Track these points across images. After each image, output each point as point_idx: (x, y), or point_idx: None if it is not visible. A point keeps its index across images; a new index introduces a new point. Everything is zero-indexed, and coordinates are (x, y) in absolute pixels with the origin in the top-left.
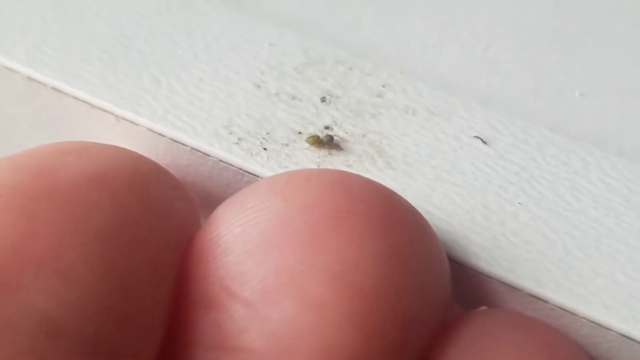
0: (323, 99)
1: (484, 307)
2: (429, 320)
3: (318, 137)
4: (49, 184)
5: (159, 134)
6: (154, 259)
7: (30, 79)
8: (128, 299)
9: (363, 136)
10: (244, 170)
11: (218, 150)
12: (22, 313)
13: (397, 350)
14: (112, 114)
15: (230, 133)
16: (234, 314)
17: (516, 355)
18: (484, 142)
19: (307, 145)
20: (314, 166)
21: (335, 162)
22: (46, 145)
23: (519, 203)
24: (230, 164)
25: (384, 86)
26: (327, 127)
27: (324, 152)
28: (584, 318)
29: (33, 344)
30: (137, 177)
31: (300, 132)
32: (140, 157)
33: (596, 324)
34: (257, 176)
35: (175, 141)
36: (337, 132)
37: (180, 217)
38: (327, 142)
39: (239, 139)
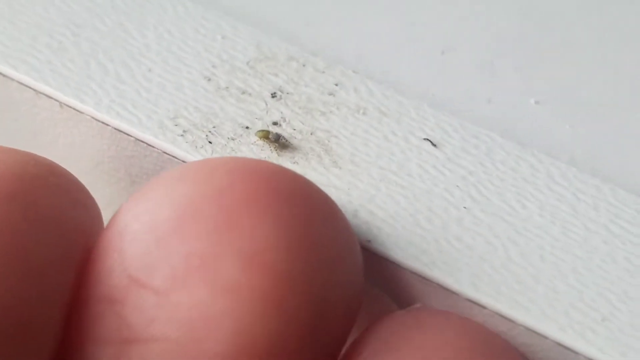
0: (274, 95)
1: (419, 304)
2: (342, 301)
3: (268, 131)
4: None
5: (104, 123)
6: (35, 274)
7: None
8: (11, 313)
9: (311, 134)
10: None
11: (162, 142)
12: None
13: (312, 331)
14: (57, 100)
15: (176, 125)
16: (143, 304)
17: (448, 351)
18: (434, 145)
19: (254, 139)
20: None
21: (281, 159)
22: None
23: (464, 207)
24: (174, 156)
25: (336, 84)
26: (275, 123)
27: (270, 148)
28: (521, 325)
29: None
30: (21, 184)
31: (247, 127)
32: (30, 161)
33: (534, 331)
34: None
35: (120, 131)
36: (286, 129)
37: (74, 222)
38: (274, 140)
39: (184, 131)
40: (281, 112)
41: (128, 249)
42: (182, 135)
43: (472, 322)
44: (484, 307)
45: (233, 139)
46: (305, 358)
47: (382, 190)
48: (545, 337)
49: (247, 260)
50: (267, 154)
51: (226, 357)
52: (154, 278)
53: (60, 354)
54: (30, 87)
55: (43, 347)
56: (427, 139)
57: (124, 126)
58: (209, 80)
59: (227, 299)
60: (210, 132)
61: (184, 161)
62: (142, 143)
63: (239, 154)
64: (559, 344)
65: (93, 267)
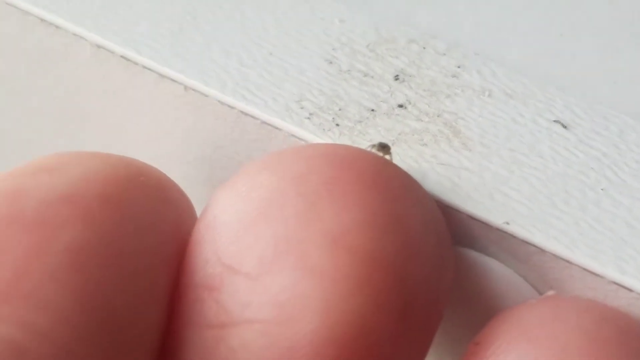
0: (396, 77)
1: (552, 292)
2: (429, 283)
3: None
4: (15, 208)
5: (229, 106)
6: (133, 271)
7: (98, 46)
8: (110, 316)
9: (438, 116)
10: (318, 143)
11: (289, 125)
12: None
13: (399, 310)
14: (182, 84)
15: (302, 108)
16: (237, 290)
17: (585, 341)
18: (564, 127)
19: (379, 123)
20: (389, 144)
21: (409, 140)
22: (24, 165)
23: (602, 189)
24: (301, 139)
25: (458, 67)
26: (400, 106)
27: (397, 130)
28: None
29: None
30: (112, 188)
31: (373, 110)
32: (120, 163)
33: None
34: None
35: (246, 114)
36: (412, 111)
37: (166, 218)
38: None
39: (310, 114)
40: (405, 95)
41: (219, 239)
42: (308, 118)
43: (610, 309)
44: (630, 289)
45: (360, 122)
46: (395, 336)
47: (515, 172)
48: None
49: (331, 242)
50: (395, 136)
51: (316, 336)
52: (245, 264)
53: (165, 340)
54: (154, 71)
55: (145, 339)
56: (557, 121)
57: (250, 109)
58: (331, 63)
59: (313, 281)
60: (336, 114)
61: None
62: (267, 126)
63: (367, 137)
64: None
65: (189, 258)
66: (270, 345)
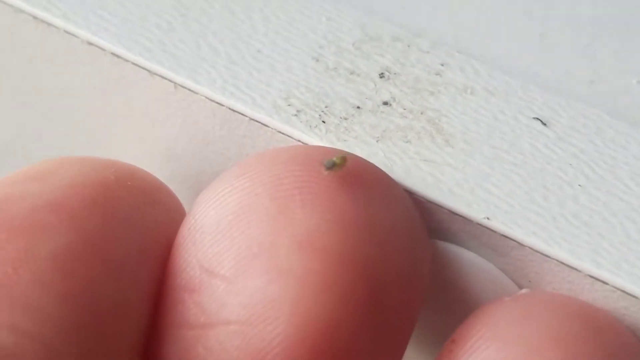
0: (381, 75)
1: (525, 290)
2: (400, 282)
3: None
4: (7, 215)
5: (218, 103)
6: (118, 273)
7: (89, 43)
8: (95, 317)
9: (422, 113)
10: (302, 143)
11: (277, 122)
12: None
13: (369, 311)
14: (172, 81)
15: (289, 105)
16: (215, 292)
17: (552, 340)
18: (544, 124)
19: (364, 120)
20: (373, 141)
21: (393, 138)
22: (15, 173)
23: (579, 185)
24: (289, 136)
25: (442, 64)
26: (385, 103)
27: (382, 127)
28: None
29: None
30: (99, 192)
31: (358, 107)
32: (109, 167)
33: None
34: None
35: (234, 111)
36: (396, 108)
37: (154, 220)
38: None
39: (297, 111)
40: (390, 92)
41: (199, 242)
42: (296, 115)
43: (582, 304)
44: (605, 283)
45: (345, 119)
46: (366, 333)
47: (496, 168)
48: None
49: (300, 244)
50: (379, 132)
51: (287, 337)
52: (222, 267)
53: (150, 339)
54: (144, 69)
55: (130, 338)
56: (537, 118)
57: (238, 106)
58: (317, 60)
59: (283, 283)
60: (322, 111)
61: (299, 140)
62: (256, 123)
63: (352, 133)
64: None
65: (173, 261)
66: (245, 346)
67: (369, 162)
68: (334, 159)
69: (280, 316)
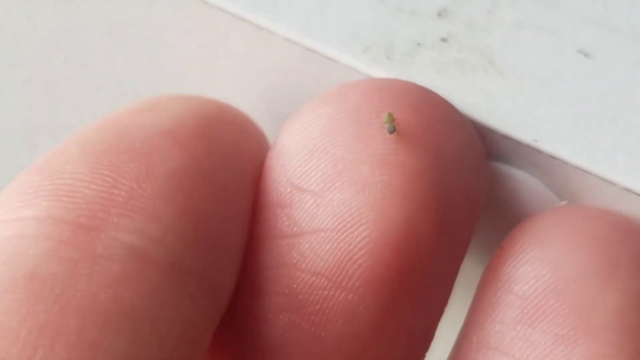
0: (439, 14)
1: (564, 202)
2: (465, 195)
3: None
4: (128, 140)
5: (295, 43)
6: (222, 192)
7: None
8: (206, 229)
9: (476, 48)
10: (370, 77)
11: (348, 58)
12: (112, 248)
13: (439, 218)
14: (252, 23)
15: (358, 43)
16: (305, 205)
17: (601, 240)
18: (586, 56)
19: (425, 55)
20: (434, 74)
21: (452, 70)
22: (131, 105)
23: (618, 112)
24: (358, 71)
25: (494, 3)
26: (443, 40)
27: (441, 61)
28: None
29: (124, 271)
30: (204, 125)
31: (419, 44)
32: (209, 104)
33: None
34: None
35: (309, 49)
36: (453, 44)
37: (246, 149)
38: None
39: (365, 48)
40: (448, 30)
41: (288, 164)
42: (364, 52)
43: (617, 214)
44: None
45: (408, 55)
46: (436, 241)
47: (543, 97)
48: None
49: (381, 162)
50: (439, 66)
51: (372, 241)
52: (310, 184)
53: (247, 250)
54: (226, 11)
55: (233, 247)
56: (581, 51)
57: (313, 45)
58: (382, 2)
59: (367, 194)
60: (387, 48)
61: (368, 75)
62: (328, 60)
63: (414, 67)
64: None
65: (264, 181)
66: (335, 249)
67: (434, 92)
68: (393, 125)
69: (366, 222)
